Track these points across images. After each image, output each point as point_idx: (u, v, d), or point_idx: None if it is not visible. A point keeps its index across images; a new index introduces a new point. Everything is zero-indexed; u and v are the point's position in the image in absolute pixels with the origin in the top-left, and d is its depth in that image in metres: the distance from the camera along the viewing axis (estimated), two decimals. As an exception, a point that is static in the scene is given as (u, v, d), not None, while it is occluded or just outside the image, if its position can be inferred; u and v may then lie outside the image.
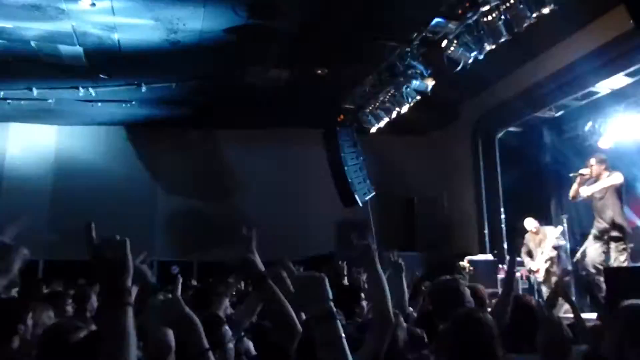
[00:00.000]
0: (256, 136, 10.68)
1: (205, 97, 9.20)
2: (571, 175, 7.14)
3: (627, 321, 2.50)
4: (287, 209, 10.50)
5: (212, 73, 8.22)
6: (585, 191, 6.88)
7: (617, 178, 6.68)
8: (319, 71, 8.33)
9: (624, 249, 6.60)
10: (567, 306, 7.16)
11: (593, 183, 6.90)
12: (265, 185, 10.55)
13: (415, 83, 7.45)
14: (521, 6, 5.72)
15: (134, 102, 9.16)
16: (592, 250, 6.87)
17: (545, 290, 8.20)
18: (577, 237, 8.12)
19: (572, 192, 7.11)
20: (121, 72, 7.97)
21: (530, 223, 8.51)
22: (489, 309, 3.87)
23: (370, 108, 8.99)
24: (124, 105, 9.26)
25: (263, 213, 10.30)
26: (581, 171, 6.98)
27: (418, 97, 7.84)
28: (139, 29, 6.60)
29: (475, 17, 6.19)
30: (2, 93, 8.54)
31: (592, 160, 6.95)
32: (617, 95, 9.50)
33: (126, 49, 7.11)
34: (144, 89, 8.32)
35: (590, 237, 7.01)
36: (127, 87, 8.48)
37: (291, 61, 8.00)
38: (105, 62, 7.53)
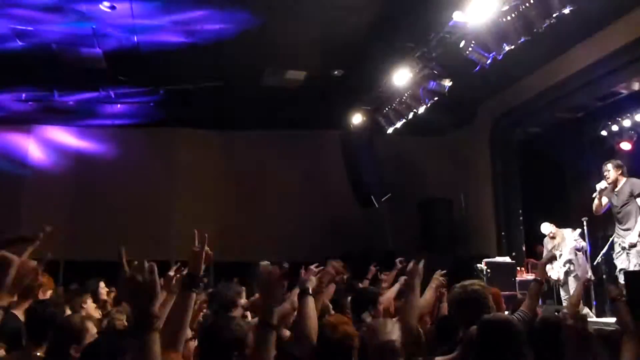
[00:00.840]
0: (273, 138, 10.72)
1: (223, 99, 9.26)
2: (593, 196, 7.05)
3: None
4: (306, 209, 10.52)
5: (229, 75, 8.26)
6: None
7: (626, 189, 6.58)
8: (336, 72, 8.32)
9: None
10: (586, 310, 7.13)
11: (611, 190, 6.80)
12: (284, 186, 10.58)
13: (433, 84, 7.40)
14: (541, 6, 5.65)
15: (152, 104, 9.26)
16: (619, 262, 6.78)
17: (563, 294, 8.10)
18: (597, 240, 7.98)
19: (595, 208, 7.04)
20: (140, 73, 8.06)
21: (546, 228, 8.41)
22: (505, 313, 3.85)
23: (387, 109, 8.96)
24: (143, 106, 9.36)
25: (283, 215, 10.35)
26: (598, 186, 6.90)
27: (435, 98, 7.78)
28: (158, 31, 6.67)
29: (494, 18, 6.13)
30: (23, 95, 8.69)
31: (609, 166, 6.87)
32: (639, 96, 9.36)
33: (145, 51, 7.19)
34: (162, 90, 8.41)
35: (616, 247, 6.91)
36: (146, 88, 8.58)
37: (308, 63, 8.01)
38: (124, 64, 7.62)
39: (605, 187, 6.84)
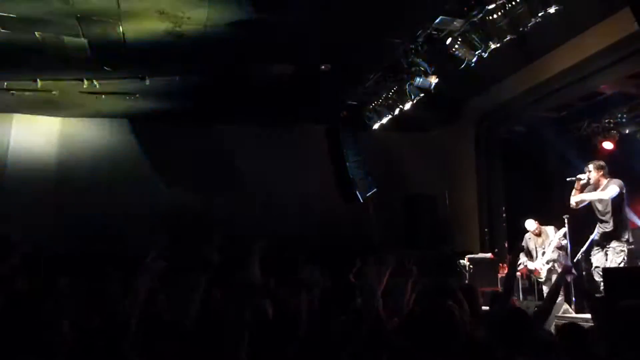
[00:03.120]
0: (259, 132, 10.68)
1: (209, 92, 9.19)
2: (568, 179, 7.11)
3: (625, 321, 2.52)
4: (290, 206, 10.51)
5: (216, 67, 8.21)
6: (575, 199, 6.86)
7: (612, 191, 6.64)
8: (323, 67, 8.31)
9: (622, 251, 6.61)
10: (566, 306, 7.25)
11: (592, 190, 6.88)
12: (268, 181, 10.55)
13: (419, 80, 7.43)
14: (527, 5, 5.70)
15: (137, 95, 9.16)
16: (595, 260, 6.89)
17: (545, 290, 8.22)
18: (578, 237, 8.08)
19: (572, 200, 7.06)
20: (125, 64, 7.96)
21: (531, 224, 8.52)
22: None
23: (373, 105, 8.99)
24: (127, 97, 9.26)
25: (266, 209, 10.32)
26: (579, 176, 6.96)
27: (421, 95, 7.83)
28: (144, 21, 6.59)
29: (480, 15, 6.17)
30: (5, 84, 8.54)
31: (590, 167, 6.92)
32: (622, 97, 9.51)
33: (130, 41, 7.11)
34: (147, 82, 8.32)
35: (593, 243, 7.01)
36: (131, 79, 8.48)
37: (295, 57, 7.99)
38: (109, 54, 7.52)
39: (588, 182, 6.89)
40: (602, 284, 6.35)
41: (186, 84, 8.73)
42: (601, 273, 6.46)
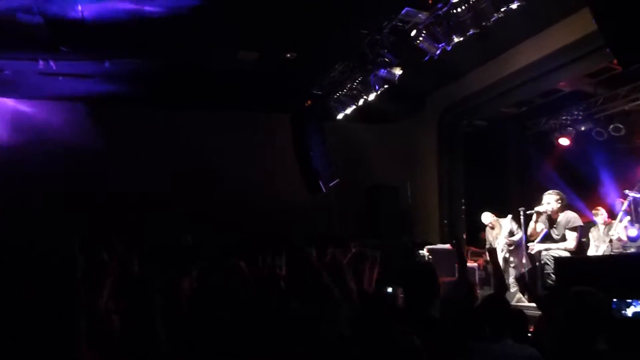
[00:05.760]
0: (222, 119, 10.54)
1: (171, 77, 9.00)
2: (528, 212, 7.32)
3: (573, 306, 2.61)
4: (252, 194, 10.43)
5: (179, 51, 8.03)
6: (537, 247, 7.14)
7: (571, 242, 6.86)
8: (288, 55, 8.25)
9: None
10: (519, 295, 7.48)
11: (548, 219, 7.12)
12: (230, 169, 10.43)
13: (383, 71, 7.47)
14: (490, 0, 5.79)
15: (96, 78, 8.89)
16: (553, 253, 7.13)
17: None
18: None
19: (530, 232, 7.30)
20: (84, 45, 7.69)
21: (486, 218, 8.72)
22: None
23: (338, 95, 8.99)
24: (86, 80, 8.97)
25: (226, 197, 10.21)
26: (537, 209, 7.17)
27: (386, 86, 7.87)
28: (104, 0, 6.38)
29: (445, 9, 6.23)
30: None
31: (550, 198, 7.12)
32: (579, 95, 9.81)
33: (90, 20, 6.87)
34: (107, 64, 8.07)
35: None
36: (90, 61, 8.21)
37: (260, 44, 7.89)
38: (67, 34, 7.25)
39: (545, 212, 7.10)
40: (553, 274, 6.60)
41: (148, 67, 8.52)
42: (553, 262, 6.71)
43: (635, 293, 2.55)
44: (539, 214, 7.18)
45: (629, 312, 2.55)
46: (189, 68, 8.64)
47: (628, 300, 2.55)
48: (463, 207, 10.44)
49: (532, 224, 7.24)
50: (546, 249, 7.06)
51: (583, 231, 7.22)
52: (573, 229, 6.90)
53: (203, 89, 9.47)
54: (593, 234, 7.38)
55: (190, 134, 10.28)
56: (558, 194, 7.14)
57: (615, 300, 2.62)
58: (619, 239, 7.19)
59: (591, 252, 7.20)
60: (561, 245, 6.97)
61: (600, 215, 7.58)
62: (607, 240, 7.16)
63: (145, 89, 9.50)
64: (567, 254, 6.83)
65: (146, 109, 10.17)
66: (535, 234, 7.26)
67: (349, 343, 2.39)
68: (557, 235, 7.02)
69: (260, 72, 8.68)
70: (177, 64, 8.48)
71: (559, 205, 7.04)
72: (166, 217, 9.15)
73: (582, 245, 7.02)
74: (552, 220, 7.11)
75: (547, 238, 7.23)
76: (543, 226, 7.21)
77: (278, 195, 10.41)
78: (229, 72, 8.67)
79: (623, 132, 9.55)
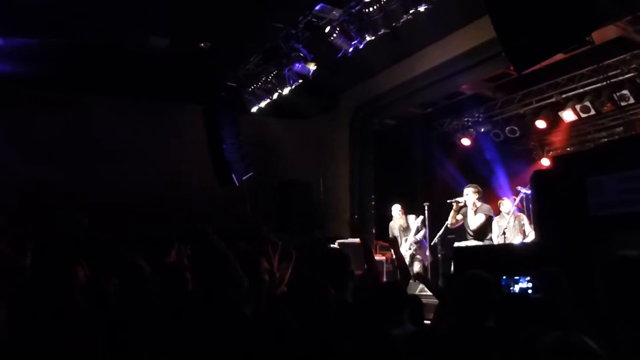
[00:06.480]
0: (131, 106, 10.07)
1: (77, 59, 8.46)
2: (448, 201, 7.72)
3: (467, 287, 2.81)
4: (160, 186, 10.08)
5: (86, 32, 7.60)
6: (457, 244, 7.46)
7: (479, 219, 7.34)
8: (202, 44, 8.09)
9: None
10: (422, 286, 7.87)
11: (467, 211, 7.53)
12: (140, 160, 10.01)
13: (298, 66, 7.55)
14: (400, 1, 6.04)
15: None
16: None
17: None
18: (435, 223, 8.76)
19: (451, 220, 7.72)
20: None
21: (396, 209, 9.08)
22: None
23: (253, 88, 8.96)
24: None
25: (135, 189, 9.79)
26: (457, 199, 7.61)
27: (300, 81, 7.95)
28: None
29: (358, 7, 6.42)
30: None
31: (469, 190, 7.56)
32: (479, 98, 10.48)
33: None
34: (1, 41, 7.48)
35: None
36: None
37: (174, 31, 7.67)
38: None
39: (464, 205, 7.52)
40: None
41: (50, 48, 7.97)
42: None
43: (521, 272, 2.81)
44: (457, 203, 7.60)
45: (517, 288, 2.80)
46: (97, 51, 8.19)
47: (516, 278, 2.81)
48: (373, 203, 10.77)
49: (452, 214, 7.65)
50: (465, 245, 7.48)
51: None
52: (485, 215, 7.38)
53: (111, 74, 9.00)
54: (501, 224, 7.78)
55: (96, 121, 9.73)
56: (475, 187, 7.62)
57: (504, 277, 2.86)
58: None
59: (501, 240, 7.60)
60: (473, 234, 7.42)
61: (505, 205, 8.05)
62: (519, 231, 7.67)
63: (47, 71, 8.86)
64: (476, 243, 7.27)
65: (47, 92, 9.51)
66: (455, 222, 7.69)
67: (250, 323, 2.43)
68: (473, 228, 7.43)
69: (173, 60, 8.43)
70: (84, 46, 8.01)
71: (476, 197, 7.49)
72: (67, 208, 8.63)
73: (485, 231, 7.45)
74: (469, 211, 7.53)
75: (463, 227, 7.66)
76: (462, 216, 7.64)
77: (188, 188, 10.14)
78: (140, 58, 8.34)
79: (518, 134, 10.34)
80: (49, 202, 8.69)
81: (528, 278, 2.78)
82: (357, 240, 9.85)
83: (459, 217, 7.62)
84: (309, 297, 2.60)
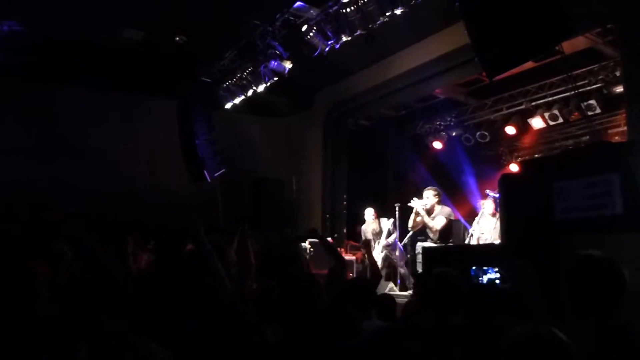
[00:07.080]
0: (102, 100, 9.89)
1: (46, 48, 8.28)
2: (409, 204, 7.78)
3: (435, 284, 2.87)
4: (134, 181, 9.93)
5: (59, 23, 7.44)
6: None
7: (439, 221, 7.46)
8: (178, 38, 8.02)
9: None
10: (391, 284, 7.96)
11: (427, 214, 7.60)
12: (110, 153, 9.84)
13: (274, 63, 7.54)
14: (377, 3, 6.10)
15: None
16: (418, 246, 7.66)
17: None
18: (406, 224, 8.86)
19: (411, 223, 7.79)
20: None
21: (369, 212, 9.13)
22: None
23: (228, 84, 8.91)
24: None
25: (106, 184, 9.61)
26: (419, 204, 7.63)
27: (275, 79, 7.94)
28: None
29: (335, 7, 6.46)
30: None
31: (429, 193, 7.66)
32: (452, 102, 10.66)
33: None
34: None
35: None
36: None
37: (148, 23, 7.58)
38: None
39: (424, 207, 7.60)
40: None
41: (18, 36, 7.78)
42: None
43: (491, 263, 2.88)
44: (418, 211, 7.68)
45: (485, 278, 2.88)
46: (69, 41, 8.02)
47: (484, 268, 2.88)
48: (345, 203, 10.84)
49: (412, 216, 7.72)
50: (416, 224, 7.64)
51: (454, 226, 7.83)
52: (445, 218, 7.49)
53: (83, 65, 8.83)
54: (480, 223, 7.87)
55: (65, 114, 9.52)
56: (435, 190, 7.73)
57: (473, 268, 2.94)
58: None
59: (482, 241, 7.70)
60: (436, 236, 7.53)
61: (487, 206, 8.10)
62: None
63: (13, 60, 8.64)
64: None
65: (14, 81, 9.25)
66: (415, 224, 7.76)
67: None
68: (432, 226, 7.53)
69: (147, 54, 8.33)
70: (54, 36, 7.85)
71: (436, 200, 7.59)
72: (31, 202, 8.43)
73: (448, 234, 7.58)
74: (429, 213, 7.62)
75: (423, 229, 7.75)
76: (421, 218, 7.71)
77: (159, 184, 10.02)
78: (112, 50, 8.20)
79: (488, 139, 10.55)
80: (10, 196, 8.45)
81: (496, 269, 2.87)
82: (329, 239, 9.94)
83: (419, 219, 7.69)
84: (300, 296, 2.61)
